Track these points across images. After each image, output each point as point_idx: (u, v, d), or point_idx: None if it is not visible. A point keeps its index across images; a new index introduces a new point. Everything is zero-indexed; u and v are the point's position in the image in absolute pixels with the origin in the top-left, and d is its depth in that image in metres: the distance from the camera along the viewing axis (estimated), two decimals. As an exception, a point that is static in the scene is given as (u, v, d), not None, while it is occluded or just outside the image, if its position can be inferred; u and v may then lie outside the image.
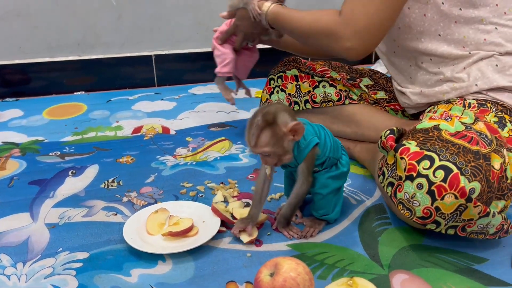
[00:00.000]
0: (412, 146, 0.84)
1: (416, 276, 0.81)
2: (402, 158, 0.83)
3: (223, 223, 0.95)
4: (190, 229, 0.92)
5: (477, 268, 0.83)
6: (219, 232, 0.93)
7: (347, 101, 1.25)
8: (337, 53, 1.04)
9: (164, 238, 0.91)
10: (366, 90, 1.27)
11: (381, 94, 1.27)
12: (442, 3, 0.98)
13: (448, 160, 0.79)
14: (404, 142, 0.86)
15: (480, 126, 0.90)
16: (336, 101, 1.25)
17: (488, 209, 0.79)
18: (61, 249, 0.90)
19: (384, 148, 0.92)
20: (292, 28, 1.11)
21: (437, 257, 0.85)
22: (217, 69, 1.29)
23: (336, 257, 0.86)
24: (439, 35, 1.01)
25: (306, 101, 1.28)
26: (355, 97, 1.26)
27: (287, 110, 0.84)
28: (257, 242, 0.91)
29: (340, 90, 1.26)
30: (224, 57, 1.28)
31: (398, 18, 1.02)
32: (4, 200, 1.07)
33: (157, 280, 0.81)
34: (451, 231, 0.83)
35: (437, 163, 0.79)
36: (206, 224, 0.94)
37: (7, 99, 1.81)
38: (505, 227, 0.84)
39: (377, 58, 2.14)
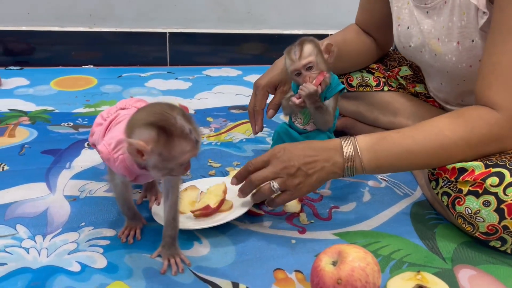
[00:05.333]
0: (476, 166, 0.76)
1: (485, 273, 0.73)
2: (466, 181, 0.76)
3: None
4: (221, 204, 0.83)
5: (548, 270, 0.76)
6: (257, 215, 0.85)
7: (386, 88, 1.18)
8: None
9: (196, 218, 0.82)
10: (404, 82, 1.19)
11: (420, 88, 1.19)
12: None
13: None
14: (465, 165, 0.77)
15: None
16: (374, 86, 1.18)
17: None
18: (84, 223, 0.81)
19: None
20: (430, 157, 0.80)
21: (504, 255, 0.78)
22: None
23: (391, 248, 0.78)
24: None
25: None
26: (394, 85, 1.18)
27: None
28: (300, 229, 0.83)
29: (378, 76, 1.19)
30: None
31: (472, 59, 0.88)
32: (16, 168, 0.98)
33: (196, 264, 0.73)
34: None
35: (508, 179, 0.72)
36: (238, 201, 0.85)
37: (10, 67, 1.70)
38: None
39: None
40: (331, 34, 2.11)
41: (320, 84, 0.87)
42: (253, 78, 1.79)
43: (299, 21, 2.00)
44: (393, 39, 1.09)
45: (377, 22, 1.13)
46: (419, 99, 1.17)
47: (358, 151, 0.78)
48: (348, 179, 1.00)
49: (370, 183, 0.99)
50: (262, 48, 1.99)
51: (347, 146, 0.79)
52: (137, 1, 1.80)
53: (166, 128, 0.62)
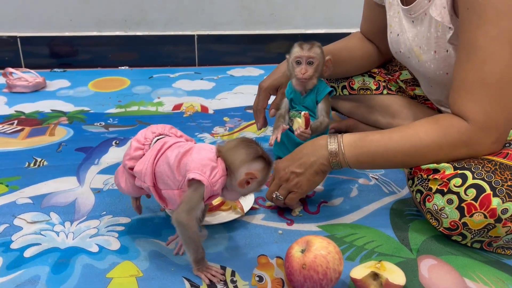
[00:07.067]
0: (447, 167, 0.85)
1: (444, 262, 0.82)
2: (435, 179, 0.85)
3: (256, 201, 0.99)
4: (222, 203, 0.96)
5: (507, 262, 0.84)
6: (252, 209, 0.97)
7: (385, 91, 1.26)
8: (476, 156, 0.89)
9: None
10: (404, 85, 1.26)
11: (419, 91, 1.26)
12: None
13: (482, 179, 0.80)
14: (438, 166, 0.86)
15: None
16: (374, 90, 1.26)
17: None
18: (105, 212, 0.96)
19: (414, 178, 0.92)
20: (402, 156, 0.89)
21: (466, 248, 0.86)
22: None
23: (366, 239, 0.88)
24: None
25: (344, 87, 1.29)
26: (393, 89, 1.26)
27: None
28: (288, 221, 0.95)
29: (379, 80, 1.27)
30: None
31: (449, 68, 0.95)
32: (53, 163, 1.14)
33: (193, 248, 0.86)
34: (476, 245, 0.85)
35: (470, 181, 0.81)
36: (240, 200, 0.98)
37: (55, 69, 1.89)
38: None
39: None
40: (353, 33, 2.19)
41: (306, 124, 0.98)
42: (274, 77, 1.89)
43: (323, 21, 2.08)
44: None
45: (378, 30, 1.21)
46: (417, 102, 1.25)
47: (342, 147, 0.90)
48: (341, 176, 1.10)
49: (361, 180, 1.09)
50: (287, 47, 2.08)
51: (332, 143, 0.91)
52: (168, 7, 1.95)
53: (267, 160, 0.78)
